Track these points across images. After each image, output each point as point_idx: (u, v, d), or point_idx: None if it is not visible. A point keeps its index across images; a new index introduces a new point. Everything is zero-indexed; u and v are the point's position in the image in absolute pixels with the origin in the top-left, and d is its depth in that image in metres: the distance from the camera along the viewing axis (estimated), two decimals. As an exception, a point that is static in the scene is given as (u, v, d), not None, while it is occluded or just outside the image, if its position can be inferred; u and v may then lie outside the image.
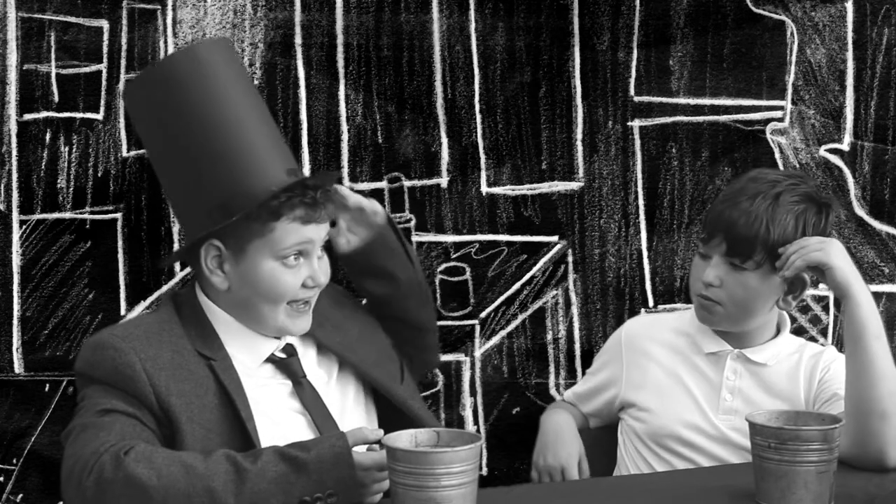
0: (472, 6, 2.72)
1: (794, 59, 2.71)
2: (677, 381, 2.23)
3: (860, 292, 2.04)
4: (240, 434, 1.83)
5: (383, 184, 2.73)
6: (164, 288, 2.70)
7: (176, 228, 2.70)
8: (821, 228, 2.14)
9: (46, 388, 2.69)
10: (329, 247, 2.08)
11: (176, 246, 2.71)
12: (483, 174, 2.75)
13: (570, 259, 2.76)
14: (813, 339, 2.65)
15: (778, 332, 2.25)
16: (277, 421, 1.90)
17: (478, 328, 2.75)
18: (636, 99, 2.73)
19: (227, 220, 1.88)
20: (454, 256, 2.75)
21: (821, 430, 1.74)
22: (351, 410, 2.03)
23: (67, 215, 2.70)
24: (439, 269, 2.74)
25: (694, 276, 2.21)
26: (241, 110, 1.94)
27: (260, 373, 1.97)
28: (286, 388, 1.97)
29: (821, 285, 2.70)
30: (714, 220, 2.16)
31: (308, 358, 2.03)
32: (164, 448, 1.77)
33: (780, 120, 2.72)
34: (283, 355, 1.99)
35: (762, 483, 1.77)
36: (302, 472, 1.70)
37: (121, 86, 2.69)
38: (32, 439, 2.69)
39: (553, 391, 2.75)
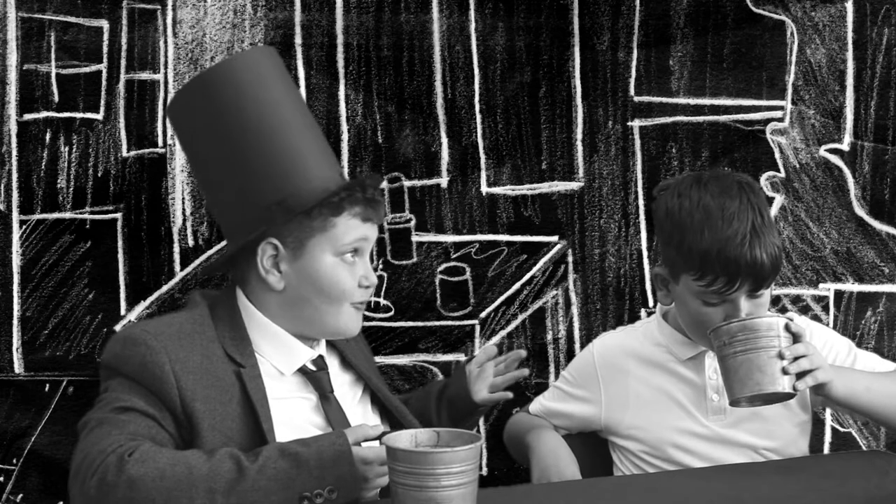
0: (472, 6, 2.72)
1: (794, 59, 2.71)
2: (661, 392, 2.22)
3: (843, 377, 2.00)
4: (260, 445, 1.82)
5: (383, 184, 2.73)
6: (164, 288, 2.70)
7: (176, 228, 2.70)
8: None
9: (46, 388, 2.69)
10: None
11: (176, 246, 2.71)
12: (483, 174, 2.75)
13: (570, 259, 2.75)
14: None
15: None
16: (298, 434, 1.88)
17: (478, 328, 2.75)
18: (636, 99, 2.73)
19: (288, 215, 1.92)
20: (454, 256, 2.75)
21: (766, 319, 1.89)
22: None
23: (67, 215, 2.70)
24: (439, 269, 2.74)
25: (711, 321, 2.05)
26: (295, 112, 2.01)
27: (288, 384, 1.96)
28: (310, 403, 1.97)
29: (821, 285, 2.72)
30: (734, 268, 2.02)
31: (334, 373, 2.04)
32: (167, 448, 1.77)
33: (780, 120, 2.72)
34: (313, 368, 1.99)
35: (727, 382, 1.92)
36: (302, 468, 1.71)
37: (121, 86, 2.70)
38: (32, 439, 2.69)
39: (553, 391, 2.75)
